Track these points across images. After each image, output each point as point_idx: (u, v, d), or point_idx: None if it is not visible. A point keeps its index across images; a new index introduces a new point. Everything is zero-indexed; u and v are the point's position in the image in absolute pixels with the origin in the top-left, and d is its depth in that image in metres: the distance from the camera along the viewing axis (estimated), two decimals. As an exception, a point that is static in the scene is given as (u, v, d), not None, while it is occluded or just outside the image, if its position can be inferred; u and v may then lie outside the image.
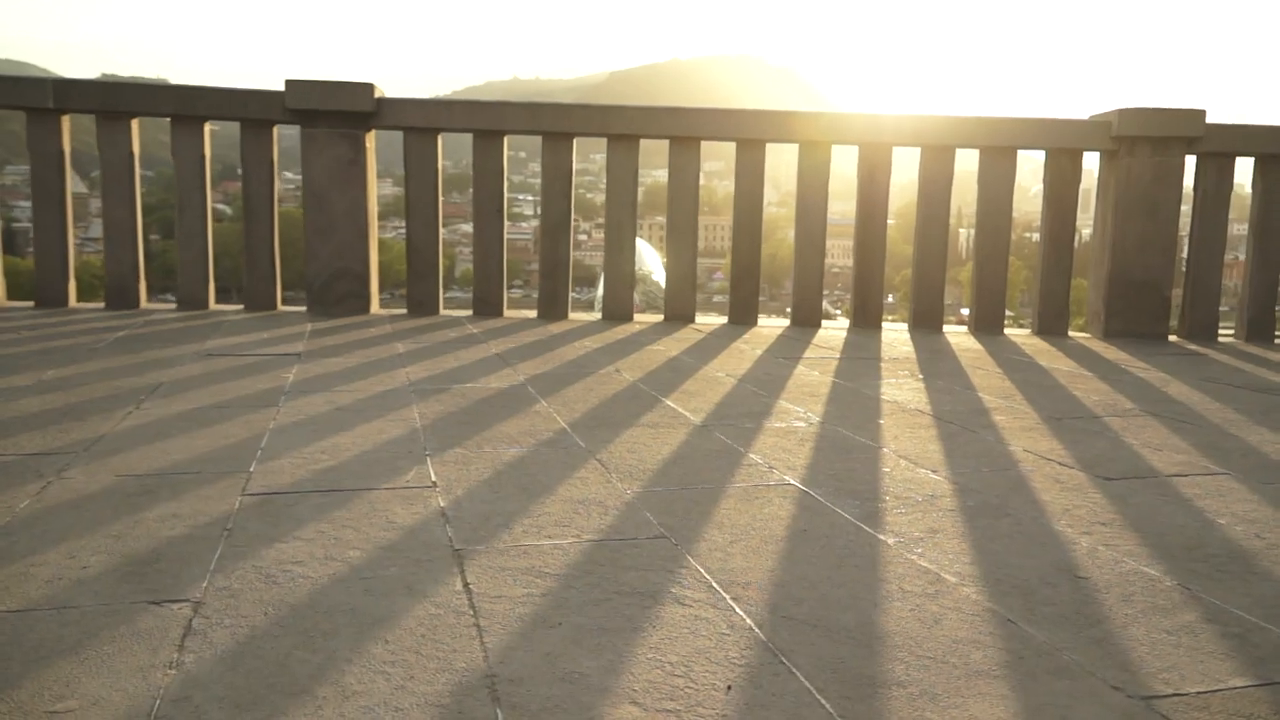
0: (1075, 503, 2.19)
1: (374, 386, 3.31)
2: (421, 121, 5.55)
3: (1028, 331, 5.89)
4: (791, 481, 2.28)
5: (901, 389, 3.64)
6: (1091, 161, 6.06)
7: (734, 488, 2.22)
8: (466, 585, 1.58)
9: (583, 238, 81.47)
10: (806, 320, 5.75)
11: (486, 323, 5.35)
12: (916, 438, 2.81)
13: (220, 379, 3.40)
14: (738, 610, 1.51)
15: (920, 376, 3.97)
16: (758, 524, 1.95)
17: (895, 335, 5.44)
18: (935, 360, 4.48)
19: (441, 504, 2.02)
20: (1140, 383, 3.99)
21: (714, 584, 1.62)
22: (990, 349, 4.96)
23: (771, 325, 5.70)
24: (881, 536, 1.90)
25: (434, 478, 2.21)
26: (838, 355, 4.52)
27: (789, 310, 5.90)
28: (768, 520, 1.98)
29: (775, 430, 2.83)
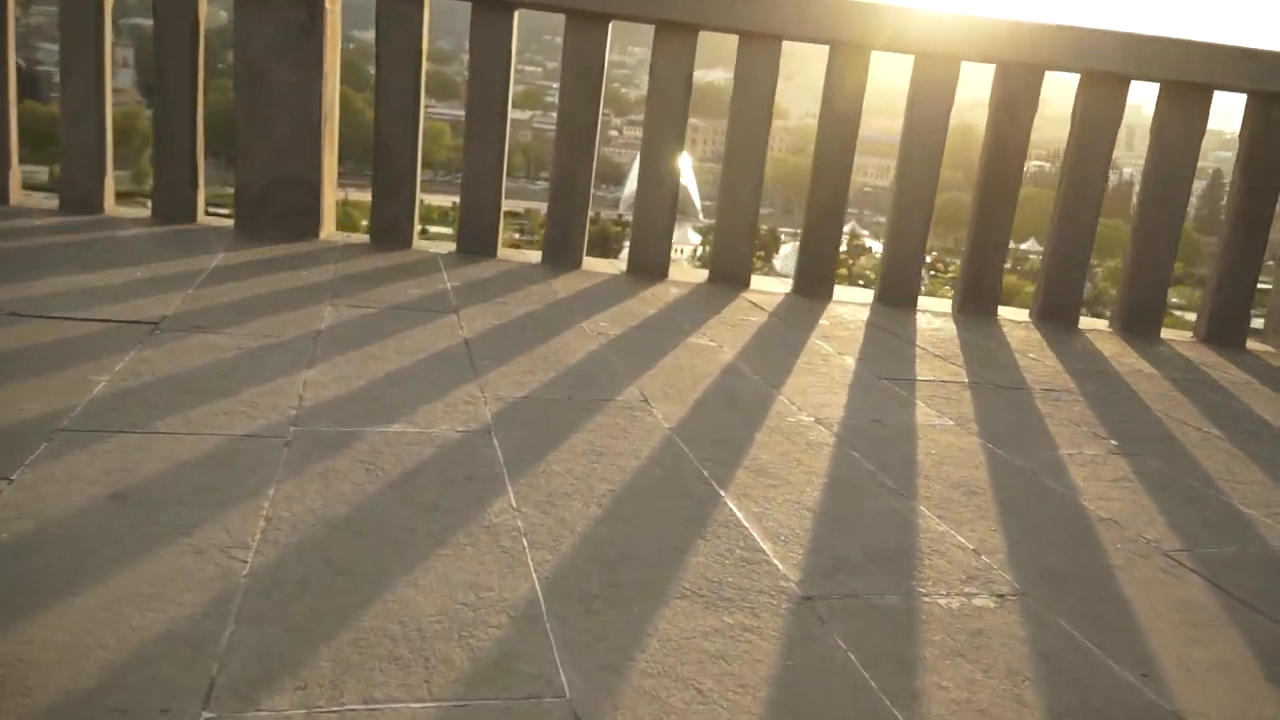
0: None
1: (228, 421, 1.93)
2: (401, -21, 4.02)
3: (1189, 336, 4.43)
4: None
5: (1101, 476, 2.24)
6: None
7: None
8: None
9: (614, 134, 78.27)
10: (899, 299, 4.29)
11: (470, 269, 3.92)
12: (1230, 677, 1.43)
13: (-22, 380, 2.02)
14: None
15: (1111, 440, 2.56)
16: None
17: (1022, 333, 4.00)
18: (1108, 395, 3.06)
19: None
20: None
21: None
22: (1168, 373, 3.52)
23: (852, 301, 4.26)
24: None
25: None
26: (964, 376, 3.10)
27: (857, 269, 4.47)
28: None
29: (944, 625, 1.45)
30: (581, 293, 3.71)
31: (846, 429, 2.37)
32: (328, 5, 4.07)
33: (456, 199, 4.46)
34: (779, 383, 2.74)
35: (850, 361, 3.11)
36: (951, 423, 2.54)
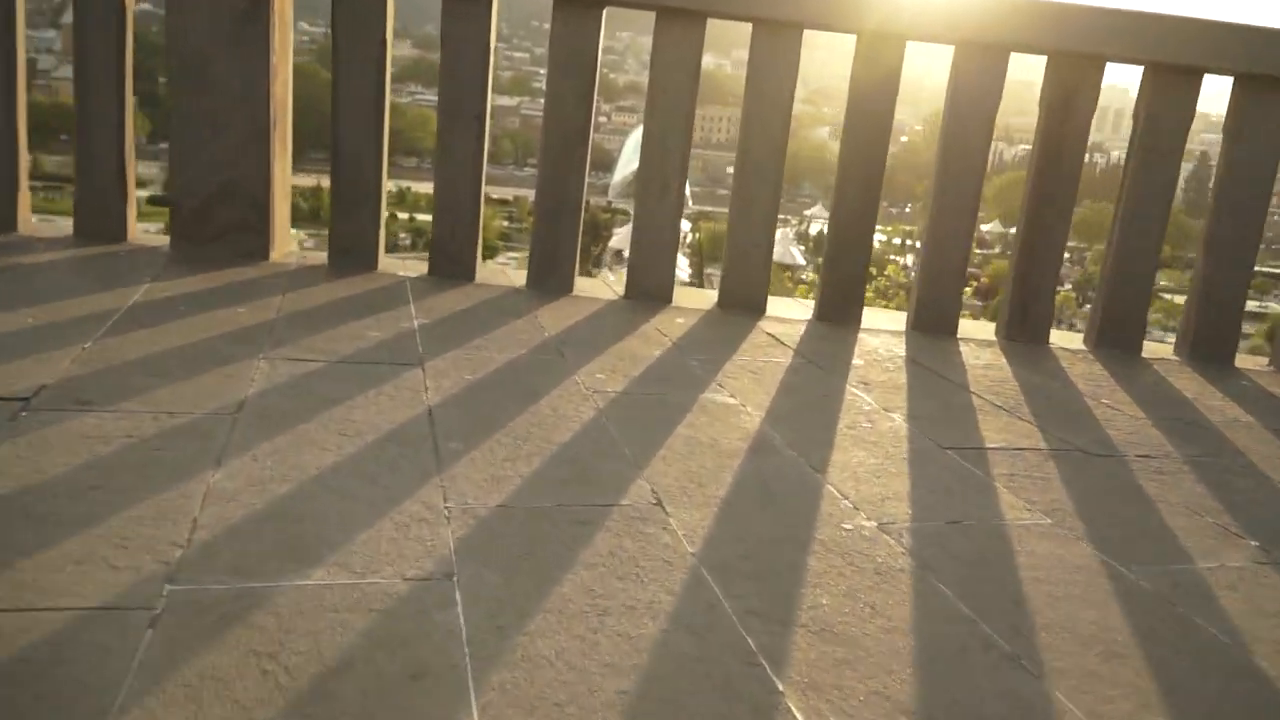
0: None
1: (76, 578, 1.36)
2: (359, -41, 3.44)
3: (1265, 364, 3.90)
4: None
5: (1262, 606, 1.70)
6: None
7: None
8: None
9: (602, 120, 77.11)
10: (936, 325, 3.75)
11: (443, 299, 3.36)
12: None
13: None
14: None
15: (1250, 540, 2.02)
16: None
17: (1083, 368, 3.46)
18: (1215, 461, 2.51)
19: None
20: None
21: None
22: (1268, 420, 2.99)
23: (883, 329, 3.72)
24: None
25: None
26: (1039, 438, 2.55)
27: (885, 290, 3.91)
28: None
29: None
30: (573, 329, 3.15)
31: (920, 540, 1.82)
32: (275, -11, 3.49)
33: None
34: (821, 460, 2.19)
35: (900, 421, 2.56)
36: (1047, 520, 1.99)
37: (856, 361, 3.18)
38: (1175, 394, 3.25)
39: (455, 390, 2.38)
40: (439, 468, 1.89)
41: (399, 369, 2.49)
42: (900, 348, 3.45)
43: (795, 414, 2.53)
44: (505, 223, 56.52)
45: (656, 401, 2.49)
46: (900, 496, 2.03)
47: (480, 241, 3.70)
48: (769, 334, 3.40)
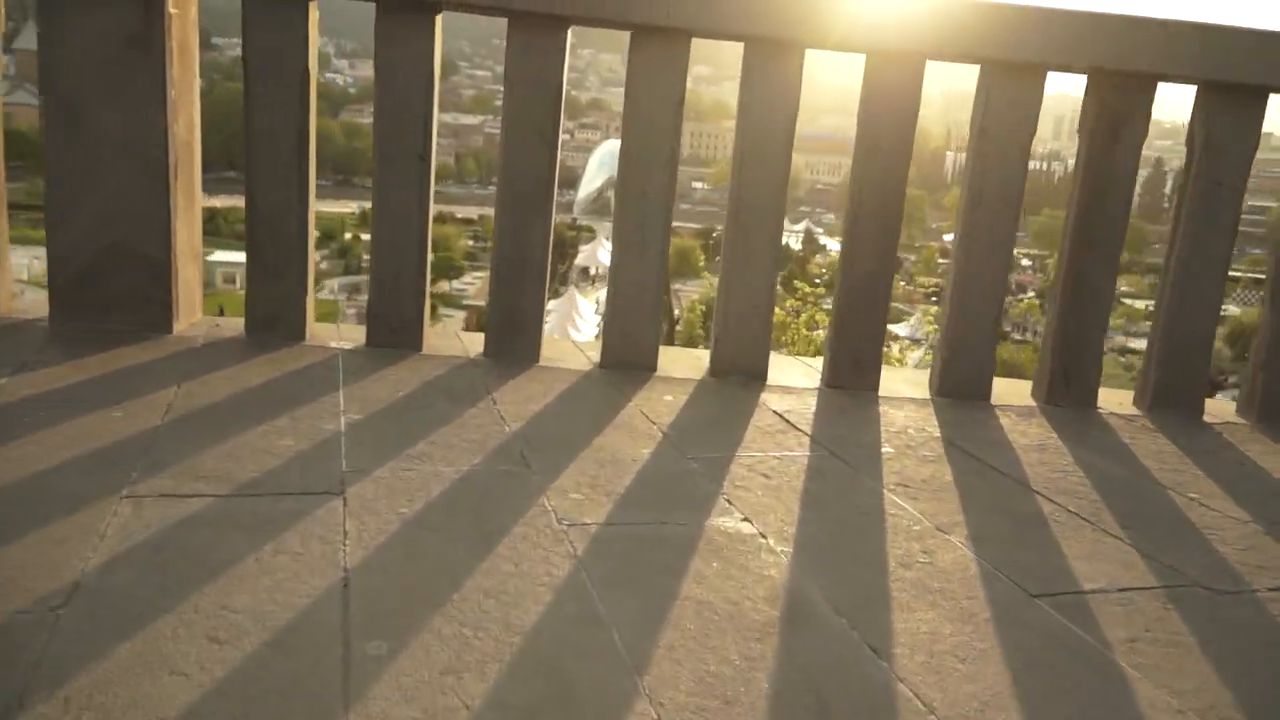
0: None
1: None
2: (270, -29, 2.85)
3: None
4: None
5: None
6: None
7: None
8: None
9: (565, 137, 76.13)
10: (966, 390, 3.20)
11: (381, 379, 2.75)
12: None
13: None
14: None
15: None
16: None
17: (1148, 442, 2.92)
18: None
19: None
20: None
21: None
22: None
23: (906, 397, 3.16)
24: None
25: None
26: (1144, 570, 2.00)
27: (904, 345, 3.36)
28: None
29: None
30: (540, 418, 2.56)
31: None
32: (171, 9, 2.88)
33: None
34: (882, 633, 1.61)
35: (962, 549, 1.99)
36: (1211, 733, 1.43)
37: (886, 449, 2.61)
38: (1266, 478, 2.72)
39: (384, 537, 1.78)
40: (348, 700, 1.29)
41: (311, 503, 1.89)
42: (932, 423, 2.89)
43: (830, 545, 1.95)
44: (470, 242, 55.71)
45: (651, 538, 1.90)
46: (1002, 699, 1.45)
47: (426, 304, 3.10)
48: (776, 412, 2.83)
